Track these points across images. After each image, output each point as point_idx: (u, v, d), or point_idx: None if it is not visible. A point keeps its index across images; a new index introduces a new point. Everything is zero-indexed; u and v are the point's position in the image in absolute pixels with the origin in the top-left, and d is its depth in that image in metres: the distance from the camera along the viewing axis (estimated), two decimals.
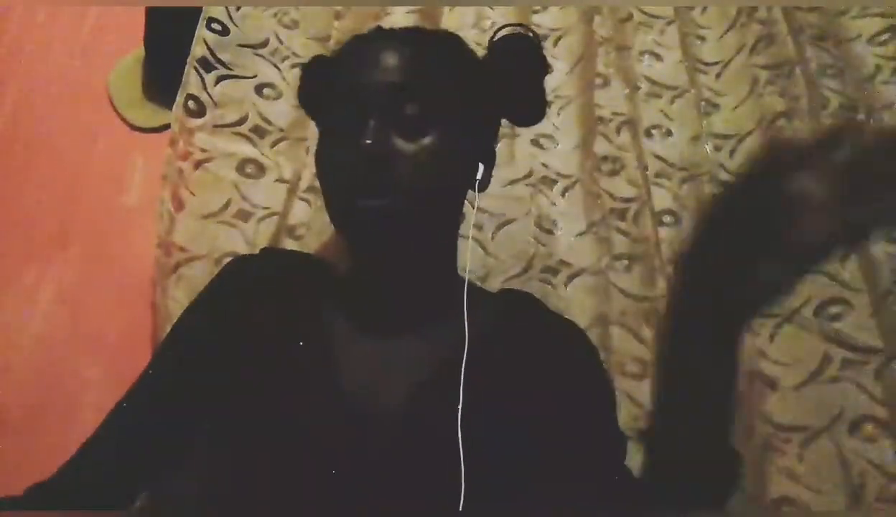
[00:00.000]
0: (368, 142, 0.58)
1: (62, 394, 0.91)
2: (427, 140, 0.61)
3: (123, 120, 1.12)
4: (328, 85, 0.66)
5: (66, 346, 0.94)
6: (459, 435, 0.56)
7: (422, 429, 0.59)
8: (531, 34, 0.71)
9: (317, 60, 0.75)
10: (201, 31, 1.02)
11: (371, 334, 0.66)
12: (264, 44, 1.08)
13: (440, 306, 0.67)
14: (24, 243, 1.01)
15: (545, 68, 0.72)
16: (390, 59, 0.62)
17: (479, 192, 0.68)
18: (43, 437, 0.86)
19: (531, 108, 0.74)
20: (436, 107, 0.62)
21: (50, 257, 1.00)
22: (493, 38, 0.72)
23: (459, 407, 0.57)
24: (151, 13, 1.10)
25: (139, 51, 1.15)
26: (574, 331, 0.75)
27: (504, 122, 0.77)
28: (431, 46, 0.66)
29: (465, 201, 0.72)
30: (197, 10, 1.04)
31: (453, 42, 0.70)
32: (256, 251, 0.83)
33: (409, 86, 0.62)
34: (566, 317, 0.77)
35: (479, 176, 0.68)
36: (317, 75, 0.74)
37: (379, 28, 0.71)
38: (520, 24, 0.73)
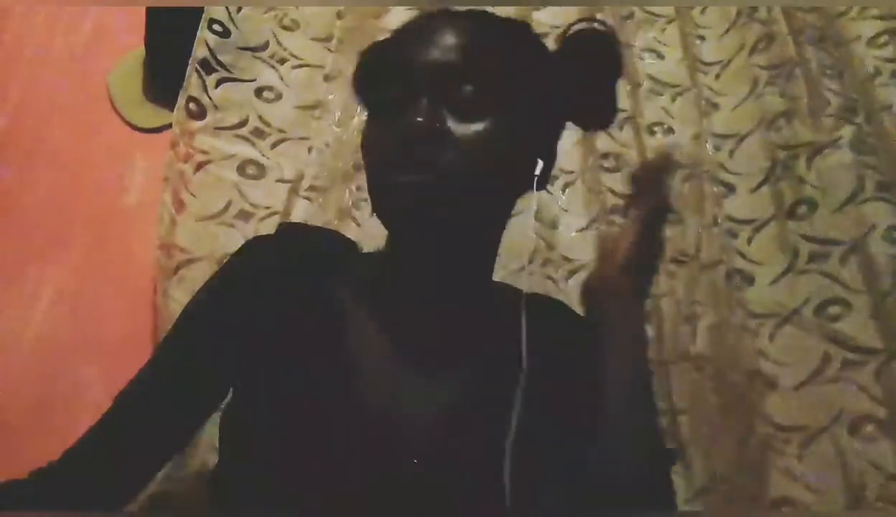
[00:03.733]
0: (419, 119, 0.55)
1: (62, 394, 0.90)
2: (481, 125, 0.57)
3: (123, 120, 1.12)
4: (382, 65, 0.62)
5: (66, 346, 0.94)
6: (508, 455, 0.54)
7: (452, 457, 0.55)
8: (607, 32, 0.66)
9: (373, 45, 0.69)
10: (203, 33, 1.02)
11: (398, 337, 0.61)
12: (264, 46, 1.08)
13: (474, 313, 0.64)
14: (24, 243, 1.01)
15: (619, 70, 0.66)
16: (448, 38, 0.58)
17: (537, 190, 0.64)
18: (43, 437, 0.86)
19: (599, 112, 0.69)
20: (493, 91, 0.58)
21: (50, 257, 1.00)
22: (566, 31, 0.67)
23: (511, 434, 0.54)
24: (151, 13, 1.10)
25: (139, 51, 1.15)
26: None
27: None
28: (495, 29, 0.62)
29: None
30: (197, 11, 1.04)
31: (521, 28, 0.67)
32: None
33: (467, 65, 0.57)
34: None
35: (537, 172, 0.63)
36: (372, 58, 0.67)
37: (444, 9, 0.65)
38: (594, 19, 0.66)
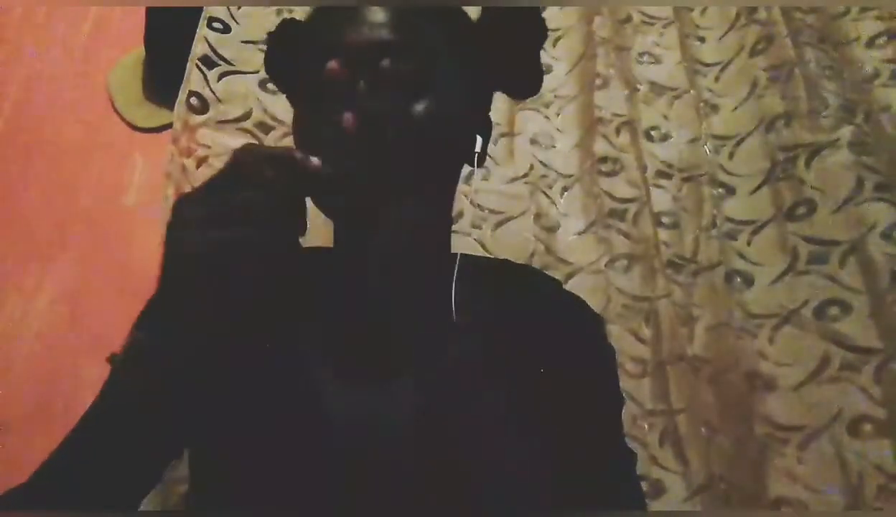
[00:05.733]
0: (358, 107, 0.49)
1: (62, 394, 0.91)
2: (423, 104, 0.54)
3: (123, 120, 1.12)
4: (305, 50, 0.58)
5: (66, 346, 0.94)
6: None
7: (425, 449, 0.53)
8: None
9: (287, 25, 0.66)
10: (202, 30, 1.02)
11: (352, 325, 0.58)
12: None
13: (433, 294, 0.59)
14: (24, 243, 1.01)
15: (542, 35, 0.64)
16: (379, 15, 0.55)
17: (477, 166, 0.61)
18: (43, 437, 0.86)
19: (526, 79, 0.66)
20: (432, 67, 0.55)
21: (50, 257, 1.00)
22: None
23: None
24: (151, 13, 1.11)
25: (139, 51, 1.15)
26: (582, 317, 0.66)
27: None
28: (422, 4, 0.59)
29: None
30: (197, 10, 1.04)
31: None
32: None
33: (402, 43, 0.54)
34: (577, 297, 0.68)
35: (477, 149, 0.60)
36: (289, 41, 0.64)
37: None
38: None
